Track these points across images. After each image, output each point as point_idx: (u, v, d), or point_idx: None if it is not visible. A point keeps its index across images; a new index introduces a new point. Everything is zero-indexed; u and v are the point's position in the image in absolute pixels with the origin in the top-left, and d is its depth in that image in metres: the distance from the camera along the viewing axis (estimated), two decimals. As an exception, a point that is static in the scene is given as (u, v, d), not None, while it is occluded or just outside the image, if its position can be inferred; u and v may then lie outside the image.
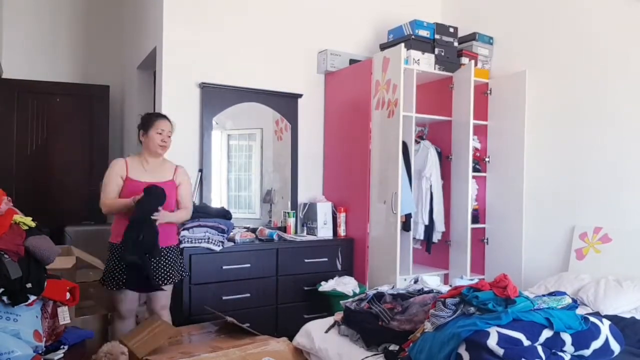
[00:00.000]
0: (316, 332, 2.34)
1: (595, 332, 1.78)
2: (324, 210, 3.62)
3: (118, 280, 2.60)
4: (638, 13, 2.92)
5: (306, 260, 3.37)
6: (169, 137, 2.76)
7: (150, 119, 2.76)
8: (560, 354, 1.72)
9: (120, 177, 2.67)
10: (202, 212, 3.09)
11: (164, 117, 2.79)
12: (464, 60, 3.68)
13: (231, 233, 3.19)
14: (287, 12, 3.76)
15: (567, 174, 3.25)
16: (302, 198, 3.80)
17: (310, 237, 3.52)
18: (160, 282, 2.65)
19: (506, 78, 3.62)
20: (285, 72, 3.76)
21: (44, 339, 2.08)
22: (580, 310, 1.97)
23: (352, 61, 3.79)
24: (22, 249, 2.05)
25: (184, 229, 3.00)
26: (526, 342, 1.65)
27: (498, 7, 3.80)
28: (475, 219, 3.64)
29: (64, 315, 2.23)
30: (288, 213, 3.60)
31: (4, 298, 1.95)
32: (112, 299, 2.74)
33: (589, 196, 3.13)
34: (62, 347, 2.20)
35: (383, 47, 3.68)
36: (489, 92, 3.70)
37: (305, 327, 2.43)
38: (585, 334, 1.75)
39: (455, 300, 1.86)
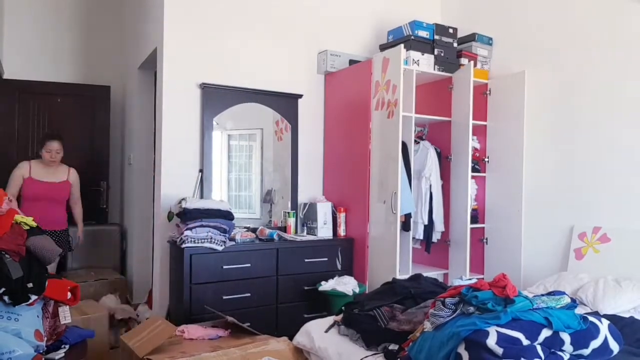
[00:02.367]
0: (316, 331, 2.35)
1: (594, 331, 1.78)
2: (324, 210, 3.63)
3: None
4: (638, 13, 2.93)
5: (306, 260, 3.37)
6: (58, 153, 3.52)
7: (44, 141, 3.53)
8: (559, 353, 1.73)
9: (22, 177, 3.45)
10: (204, 212, 3.09)
11: (54, 137, 3.54)
12: (464, 60, 3.69)
13: (232, 233, 3.19)
14: (287, 13, 3.77)
15: (566, 174, 3.26)
16: (302, 198, 3.81)
17: (310, 237, 3.52)
18: None
19: (505, 78, 3.63)
20: (285, 72, 3.77)
21: (45, 338, 2.09)
22: (579, 310, 1.98)
23: (352, 62, 3.80)
24: (23, 249, 2.06)
25: (187, 229, 3.00)
26: (525, 342, 1.66)
27: (498, 8, 3.81)
28: (475, 218, 3.64)
29: (65, 315, 2.24)
30: (288, 213, 3.61)
31: (5, 298, 1.96)
32: None
33: (587, 196, 3.13)
34: (63, 346, 2.21)
35: (383, 47, 3.69)
36: (488, 92, 3.71)
37: (305, 327, 2.44)
38: (584, 334, 1.76)
39: (454, 300, 1.86)
